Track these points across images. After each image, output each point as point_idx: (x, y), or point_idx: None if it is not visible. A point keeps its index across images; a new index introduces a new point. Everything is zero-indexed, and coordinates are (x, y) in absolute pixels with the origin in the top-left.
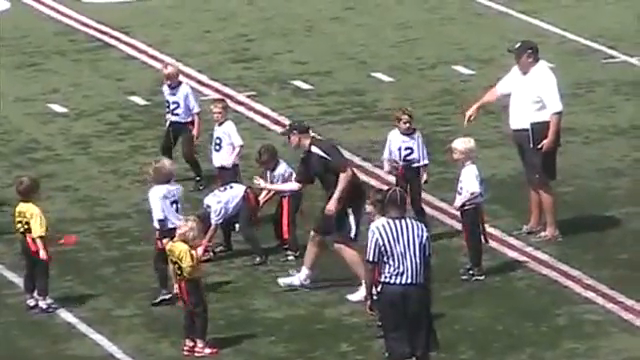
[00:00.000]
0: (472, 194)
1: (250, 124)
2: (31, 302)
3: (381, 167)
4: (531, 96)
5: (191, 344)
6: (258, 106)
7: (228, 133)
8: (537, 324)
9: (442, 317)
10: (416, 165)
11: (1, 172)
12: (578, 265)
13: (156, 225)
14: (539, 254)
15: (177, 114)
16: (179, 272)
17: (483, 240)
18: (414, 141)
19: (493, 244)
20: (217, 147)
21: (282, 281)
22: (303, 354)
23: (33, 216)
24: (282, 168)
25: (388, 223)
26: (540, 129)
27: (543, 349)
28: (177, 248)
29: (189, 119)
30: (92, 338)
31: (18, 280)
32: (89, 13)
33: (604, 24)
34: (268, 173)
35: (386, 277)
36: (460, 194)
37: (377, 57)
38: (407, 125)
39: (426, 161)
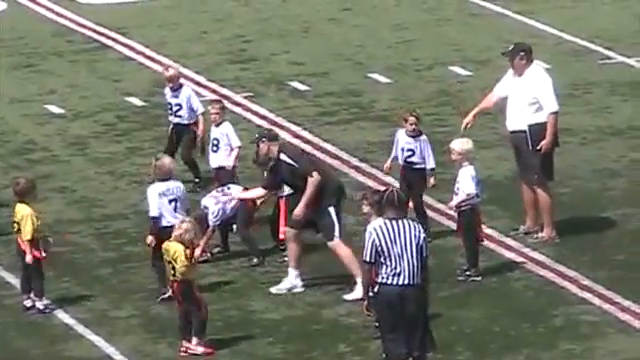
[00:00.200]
0: (468, 195)
1: (247, 125)
2: (28, 303)
3: (378, 168)
4: (527, 98)
5: (187, 345)
6: (255, 107)
7: (226, 134)
8: (534, 325)
9: (439, 318)
10: (418, 167)
11: None
12: (575, 266)
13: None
14: (536, 255)
15: (180, 116)
16: (173, 272)
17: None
18: (418, 144)
19: (490, 245)
20: (215, 148)
21: (274, 290)
22: (300, 355)
23: (24, 218)
24: None
25: (385, 224)
26: (538, 130)
27: (540, 350)
28: (172, 248)
29: (192, 120)
30: (89, 339)
31: (15, 281)
32: (86, 14)
33: (601, 25)
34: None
35: (383, 278)
36: (457, 195)
37: (374, 58)
38: (413, 127)
39: (432, 165)
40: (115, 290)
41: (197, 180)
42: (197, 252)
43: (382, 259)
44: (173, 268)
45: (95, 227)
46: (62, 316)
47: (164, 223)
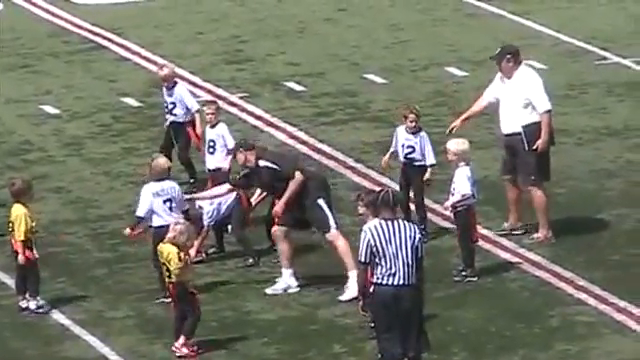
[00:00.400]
0: (463, 196)
1: (243, 125)
2: (23, 304)
3: (374, 168)
4: (519, 99)
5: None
6: (251, 107)
7: (222, 135)
8: (530, 325)
9: (435, 318)
10: (418, 164)
11: None
12: (570, 266)
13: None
14: (532, 255)
15: (175, 114)
16: (167, 274)
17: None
18: (418, 140)
19: (486, 245)
20: (211, 150)
21: (270, 291)
22: (296, 355)
23: (17, 218)
24: None
25: (380, 224)
26: (532, 131)
27: (536, 350)
28: (166, 250)
29: (187, 119)
30: (85, 339)
31: (11, 282)
32: (82, 15)
33: (597, 26)
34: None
35: (378, 278)
36: (453, 195)
37: (370, 58)
38: (413, 124)
39: (432, 161)
40: (111, 291)
41: (192, 181)
42: (192, 252)
43: (377, 259)
44: (168, 270)
45: (91, 227)
46: (58, 316)
47: (160, 223)
